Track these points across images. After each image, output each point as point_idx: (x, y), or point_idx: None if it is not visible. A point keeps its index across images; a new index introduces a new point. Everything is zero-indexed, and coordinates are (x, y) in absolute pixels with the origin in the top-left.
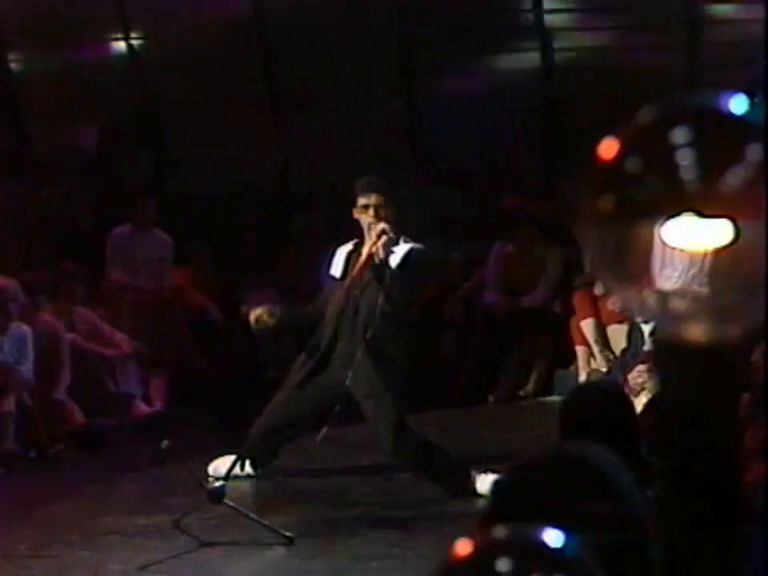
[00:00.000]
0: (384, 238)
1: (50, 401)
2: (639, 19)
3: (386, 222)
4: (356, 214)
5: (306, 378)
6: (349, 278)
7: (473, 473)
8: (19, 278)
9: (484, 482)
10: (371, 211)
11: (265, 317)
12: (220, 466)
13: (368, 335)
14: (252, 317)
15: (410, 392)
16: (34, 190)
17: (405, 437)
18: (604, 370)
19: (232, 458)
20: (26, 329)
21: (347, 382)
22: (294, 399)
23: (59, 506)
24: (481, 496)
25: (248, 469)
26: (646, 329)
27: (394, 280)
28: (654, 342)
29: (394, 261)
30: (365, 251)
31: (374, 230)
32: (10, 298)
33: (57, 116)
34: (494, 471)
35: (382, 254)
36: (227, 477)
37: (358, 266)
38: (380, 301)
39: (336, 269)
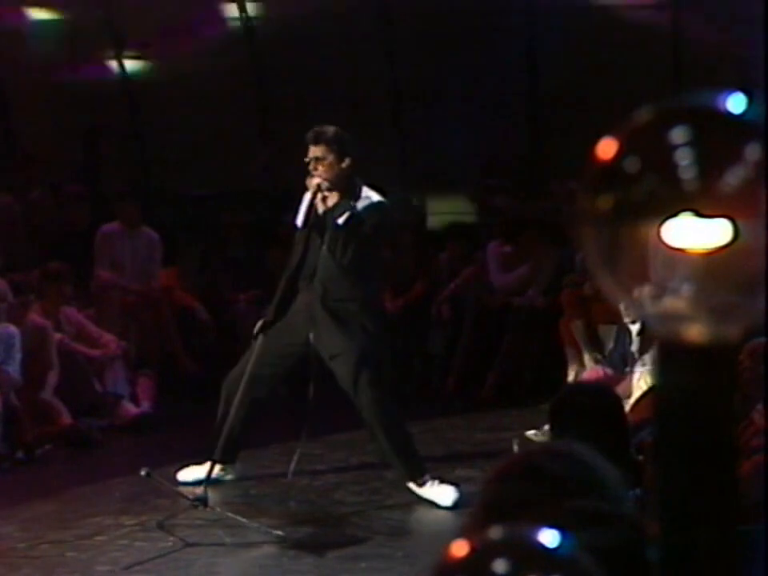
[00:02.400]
0: (319, 194)
1: (38, 401)
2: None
3: (331, 173)
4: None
5: (268, 330)
6: (306, 232)
7: (427, 476)
8: (7, 278)
9: (431, 488)
10: (313, 164)
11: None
12: (189, 473)
13: (326, 293)
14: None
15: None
16: (25, 190)
17: (374, 395)
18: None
19: (201, 466)
20: (13, 329)
21: (311, 341)
22: (260, 357)
23: (46, 506)
24: (423, 499)
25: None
26: (634, 329)
27: (336, 236)
28: (653, 343)
29: (342, 218)
30: (319, 205)
31: (309, 184)
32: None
33: (46, 116)
34: (447, 482)
35: (320, 210)
36: (207, 481)
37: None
38: (327, 256)
39: (299, 217)
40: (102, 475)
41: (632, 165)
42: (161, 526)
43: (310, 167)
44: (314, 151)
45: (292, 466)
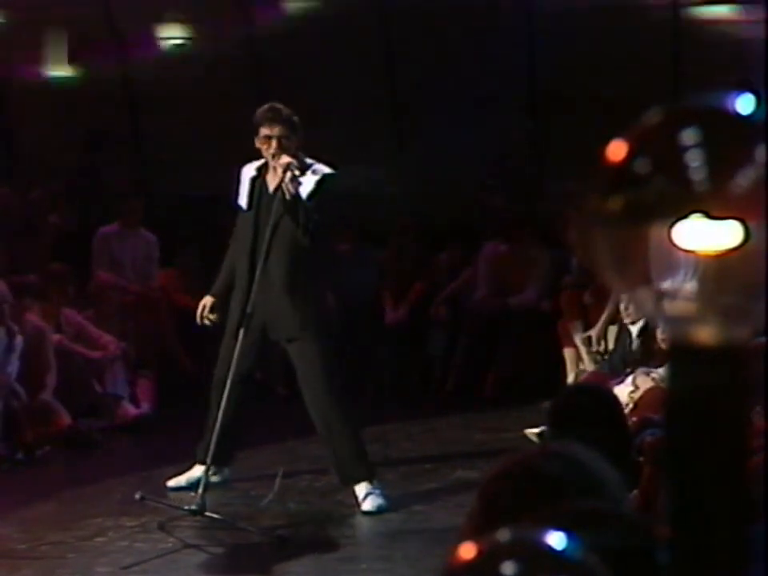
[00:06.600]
0: (289, 173)
1: (37, 402)
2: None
3: (290, 153)
4: (257, 144)
5: (236, 330)
6: (253, 214)
7: (374, 481)
8: (7, 280)
9: (373, 500)
10: (274, 142)
11: (209, 314)
12: (180, 479)
13: (284, 275)
14: (199, 321)
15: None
16: (24, 191)
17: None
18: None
19: (190, 472)
20: (19, 338)
21: (269, 328)
22: (231, 358)
23: (46, 507)
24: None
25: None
26: (634, 330)
27: (309, 213)
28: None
29: (305, 190)
30: (270, 183)
31: (278, 163)
32: (1, 299)
33: (43, 117)
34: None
35: (292, 190)
36: (205, 487)
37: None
38: (297, 236)
39: (242, 198)
40: (102, 476)
41: (642, 166)
42: (161, 527)
43: (272, 145)
44: (276, 130)
45: (275, 487)
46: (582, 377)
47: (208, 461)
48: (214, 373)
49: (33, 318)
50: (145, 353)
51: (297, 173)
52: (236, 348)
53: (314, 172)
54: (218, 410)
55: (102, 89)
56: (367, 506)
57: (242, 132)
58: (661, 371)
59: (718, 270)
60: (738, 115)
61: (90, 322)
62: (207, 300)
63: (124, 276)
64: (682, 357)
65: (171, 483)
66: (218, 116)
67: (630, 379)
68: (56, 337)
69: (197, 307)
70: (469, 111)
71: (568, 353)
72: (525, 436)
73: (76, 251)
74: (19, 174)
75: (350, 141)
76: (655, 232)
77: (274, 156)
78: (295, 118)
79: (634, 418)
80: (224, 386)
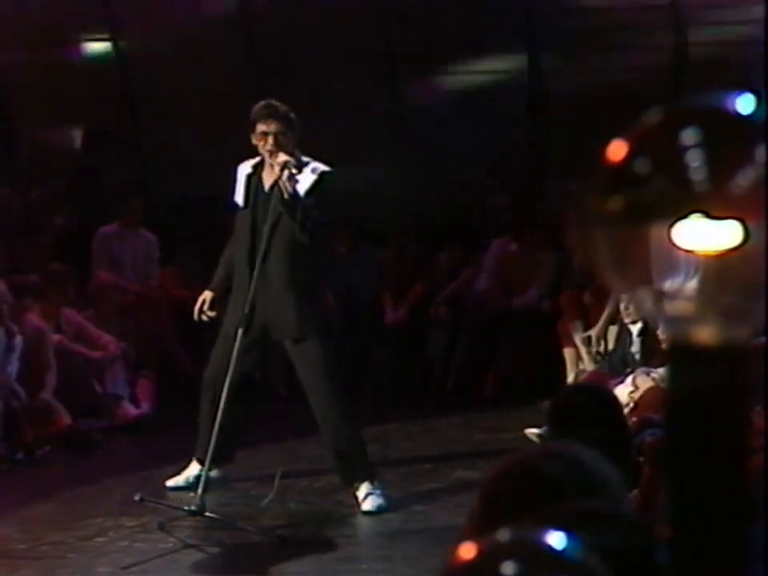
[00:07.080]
0: (287, 171)
1: (37, 402)
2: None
3: (286, 150)
4: (254, 141)
5: (235, 330)
6: (249, 212)
7: (377, 483)
8: (7, 280)
9: (373, 500)
10: (270, 139)
11: (208, 310)
12: (179, 480)
13: (283, 274)
14: (197, 316)
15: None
16: (24, 191)
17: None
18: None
19: (188, 470)
20: (18, 338)
21: (270, 327)
22: (225, 358)
23: (47, 507)
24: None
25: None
26: (634, 330)
27: (307, 210)
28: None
29: (302, 188)
30: (266, 181)
31: (275, 161)
32: (0, 299)
33: (43, 117)
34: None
35: (289, 189)
36: (204, 488)
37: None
38: (296, 235)
39: (239, 196)
40: (102, 476)
41: (642, 166)
42: (161, 527)
43: (269, 141)
44: (276, 126)
45: (274, 487)
46: (582, 377)
47: (207, 461)
48: (204, 372)
49: (33, 318)
50: (145, 353)
51: (294, 171)
52: (234, 348)
53: (312, 170)
54: (214, 409)
55: (102, 89)
56: (367, 506)
57: (242, 131)
58: (661, 371)
59: (718, 270)
60: (738, 115)
61: (90, 322)
62: (207, 295)
63: (124, 276)
64: (682, 357)
65: (170, 483)
66: (219, 116)
67: (629, 379)
68: (56, 337)
69: (195, 301)
70: (469, 111)
71: (568, 353)
72: (525, 436)
73: (76, 251)
74: (20, 174)
75: (350, 141)
76: (655, 232)
77: (270, 153)
78: (292, 115)
79: (634, 418)
80: (214, 386)
